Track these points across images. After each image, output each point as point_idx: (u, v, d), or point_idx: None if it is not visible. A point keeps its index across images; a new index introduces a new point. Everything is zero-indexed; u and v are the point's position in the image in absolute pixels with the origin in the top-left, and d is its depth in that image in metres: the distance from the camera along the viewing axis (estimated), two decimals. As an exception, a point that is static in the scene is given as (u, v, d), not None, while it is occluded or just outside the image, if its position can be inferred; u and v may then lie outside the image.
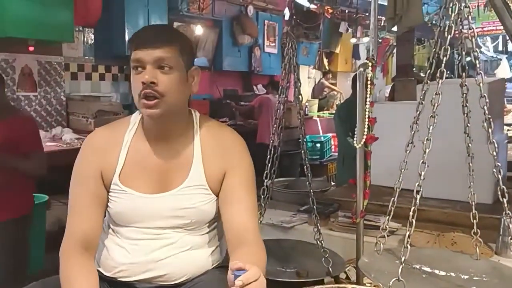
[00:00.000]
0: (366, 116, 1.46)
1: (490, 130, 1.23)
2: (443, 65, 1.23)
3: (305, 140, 1.73)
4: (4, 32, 3.88)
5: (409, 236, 1.24)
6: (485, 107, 1.24)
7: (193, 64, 1.40)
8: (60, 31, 4.28)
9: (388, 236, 1.51)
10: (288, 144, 5.51)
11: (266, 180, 1.71)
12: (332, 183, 4.42)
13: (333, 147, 6.89)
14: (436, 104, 1.24)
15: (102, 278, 1.38)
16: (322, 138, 6.97)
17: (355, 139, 1.58)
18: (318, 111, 8.54)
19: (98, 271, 1.38)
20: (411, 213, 1.23)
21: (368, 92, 1.43)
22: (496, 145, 1.23)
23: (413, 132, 1.34)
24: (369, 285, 1.19)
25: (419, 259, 1.48)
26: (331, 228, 2.23)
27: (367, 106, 1.45)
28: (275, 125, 1.73)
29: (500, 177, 1.21)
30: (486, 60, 11.74)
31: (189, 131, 1.43)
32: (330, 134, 6.96)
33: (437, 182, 2.45)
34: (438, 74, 1.23)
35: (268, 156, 1.71)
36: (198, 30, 6.44)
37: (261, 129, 5.93)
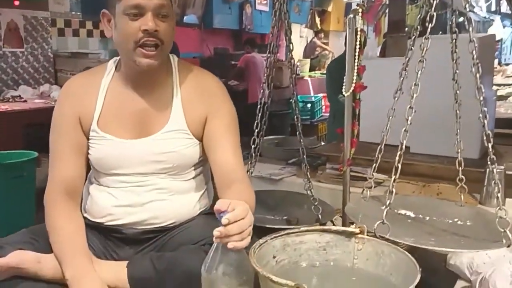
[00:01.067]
0: (356, 64, 1.45)
1: (477, 76, 1.23)
2: (433, 8, 1.22)
3: (295, 85, 1.71)
4: (-12, -15, 3.79)
5: (394, 181, 1.26)
6: (474, 52, 1.24)
7: None
8: (46, -16, 4.19)
9: (374, 187, 1.53)
10: (279, 104, 5.50)
11: (256, 130, 1.71)
12: (322, 143, 4.45)
13: (323, 107, 6.89)
14: (425, 49, 1.23)
15: (89, 225, 1.38)
16: (313, 98, 6.95)
17: (343, 89, 1.56)
18: (310, 71, 8.48)
19: (85, 217, 1.39)
20: (397, 158, 1.24)
21: (358, 39, 1.42)
22: (483, 90, 1.24)
23: (402, 79, 1.34)
24: (353, 227, 1.21)
25: (404, 206, 1.51)
26: (319, 180, 2.27)
27: (357, 53, 1.44)
28: (265, 75, 1.72)
29: (486, 122, 1.22)
30: (479, 21, 11.63)
31: (168, 76, 1.42)
32: (321, 94, 6.94)
33: (425, 138, 2.48)
34: (427, 19, 1.22)
35: (258, 106, 1.70)
36: (188, -14, 6.30)
37: (252, 88, 5.88)
